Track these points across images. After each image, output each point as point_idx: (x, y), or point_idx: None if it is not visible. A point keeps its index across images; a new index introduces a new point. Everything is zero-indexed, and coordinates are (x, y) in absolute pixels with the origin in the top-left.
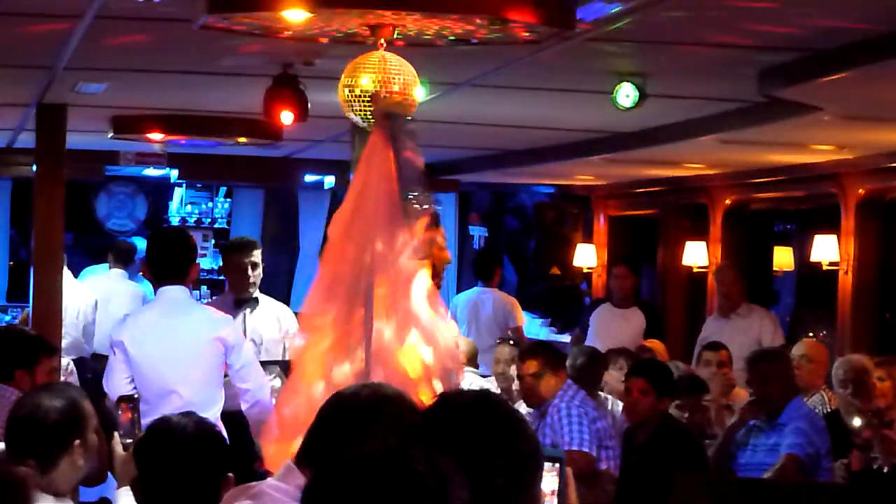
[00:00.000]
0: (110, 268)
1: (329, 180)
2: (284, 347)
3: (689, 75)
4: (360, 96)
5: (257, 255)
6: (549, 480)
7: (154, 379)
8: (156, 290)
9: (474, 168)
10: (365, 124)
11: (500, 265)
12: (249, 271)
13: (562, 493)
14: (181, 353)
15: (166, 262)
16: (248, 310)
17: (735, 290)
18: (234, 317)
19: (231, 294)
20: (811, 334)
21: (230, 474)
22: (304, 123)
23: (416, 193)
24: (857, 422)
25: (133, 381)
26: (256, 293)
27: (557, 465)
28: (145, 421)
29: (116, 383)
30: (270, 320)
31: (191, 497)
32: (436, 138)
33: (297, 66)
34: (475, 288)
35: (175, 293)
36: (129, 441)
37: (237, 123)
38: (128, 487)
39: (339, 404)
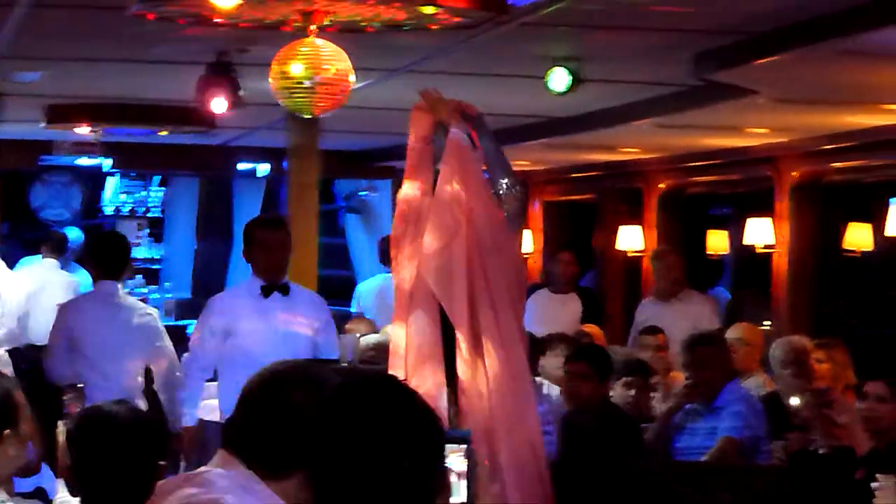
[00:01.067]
0: (43, 258)
1: (264, 168)
2: (315, 343)
3: (625, 60)
4: (293, 84)
5: (288, 234)
6: (458, 462)
7: (95, 362)
8: (94, 283)
9: None
10: (297, 112)
11: None
12: (281, 252)
13: (471, 474)
14: (118, 340)
15: (104, 262)
16: (279, 296)
17: (676, 275)
18: (259, 306)
19: (258, 279)
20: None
21: (162, 462)
22: (238, 111)
23: (508, 181)
24: (795, 401)
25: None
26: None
27: (466, 445)
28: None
29: (59, 369)
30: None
31: (124, 484)
32: (371, 125)
33: (231, 53)
34: (379, 275)
35: (110, 287)
36: None
37: (171, 112)
38: None
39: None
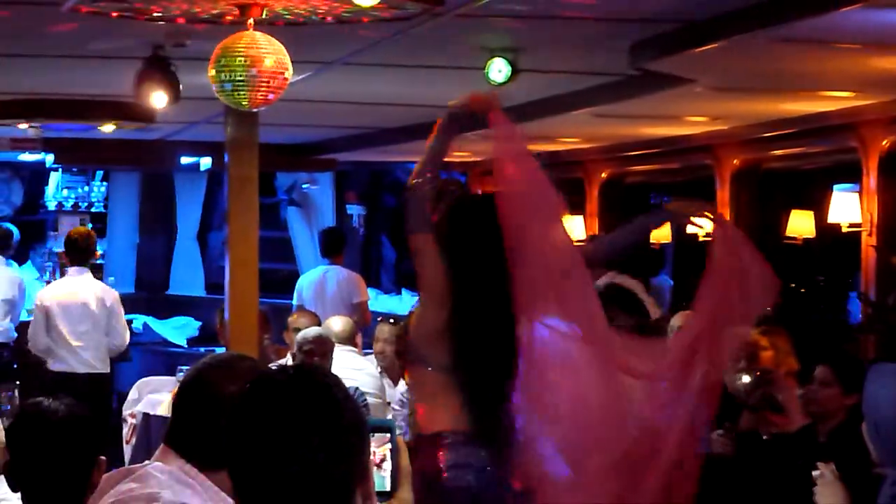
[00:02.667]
0: None
1: (205, 162)
2: None
3: (562, 49)
4: (229, 77)
5: None
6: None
7: (67, 335)
8: (65, 270)
9: (350, 147)
10: (237, 106)
11: (344, 243)
12: None
13: (394, 462)
14: (87, 314)
15: (77, 253)
16: None
17: None
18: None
19: None
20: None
21: (102, 457)
22: (178, 105)
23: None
24: (746, 378)
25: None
26: None
27: (388, 434)
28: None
29: (41, 339)
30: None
31: (62, 480)
32: (310, 118)
33: (168, 47)
34: (320, 267)
35: (80, 271)
36: None
37: (110, 107)
38: None
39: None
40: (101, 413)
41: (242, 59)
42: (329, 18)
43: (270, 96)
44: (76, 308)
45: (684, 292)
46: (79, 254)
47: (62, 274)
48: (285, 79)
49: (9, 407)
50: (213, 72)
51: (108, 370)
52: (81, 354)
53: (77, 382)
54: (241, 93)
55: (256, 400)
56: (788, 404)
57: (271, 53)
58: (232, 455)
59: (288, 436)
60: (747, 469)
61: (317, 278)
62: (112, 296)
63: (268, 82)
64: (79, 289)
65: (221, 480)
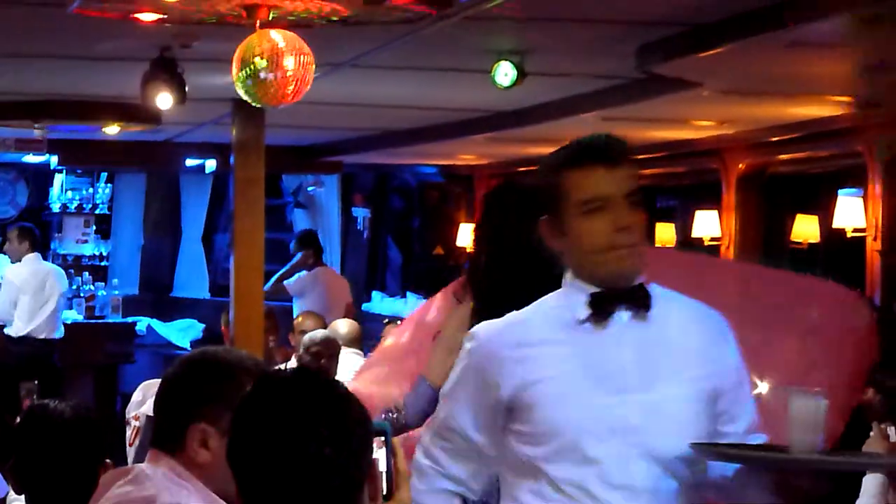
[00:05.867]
0: None
1: (210, 164)
2: None
3: (569, 52)
4: (257, 77)
5: None
6: (377, 453)
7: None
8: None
9: (357, 149)
10: (258, 103)
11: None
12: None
13: (389, 465)
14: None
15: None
16: None
17: None
18: None
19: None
20: None
21: (108, 460)
22: (184, 107)
23: None
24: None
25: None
26: None
27: (383, 437)
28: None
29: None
30: None
31: (68, 482)
32: (318, 119)
33: (175, 49)
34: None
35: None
36: None
37: (116, 108)
38: None
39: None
40: None
41: (267, 56)
42: (336, 20)
43: (295, 94)
44: None
45: None
46: None
47: None
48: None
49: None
50: (238, 76)
51: None
52: None
53: None
54: (265, 90)
55: (262, 396)
56: None
57: (295, 52)
58: (237, 452)
59: (296, 430)
60: None
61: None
62: None
63: (293, 79)
64: None
65: (209, 479)
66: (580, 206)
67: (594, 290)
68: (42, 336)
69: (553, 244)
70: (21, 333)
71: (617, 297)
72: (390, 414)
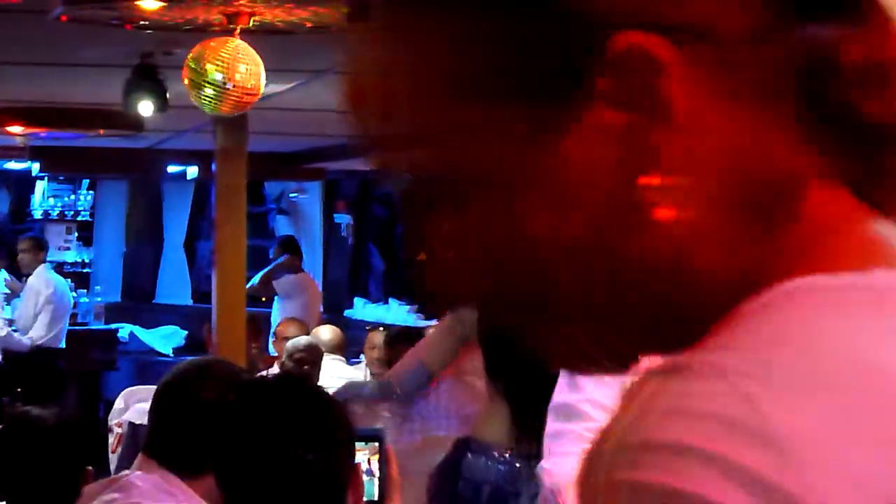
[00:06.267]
0: None
1: (192, 171)
2: None
3: None
4: (203, 80)
5: None
6: (370, 460)
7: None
8: None
9: (340, 156)
10: (208, 109)
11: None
12: None
13: (383, 473)
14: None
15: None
16: None
17: None
18: None
19: None
20: None
21: (89, 468)
22: (166, 114)
23: None
24: None
25: None
26: None
27: (377, 443)
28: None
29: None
30: None
31: (49, 489)
32: (301, 126)
33: (157, 56)
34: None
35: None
36: None
37: (98, 115)
38: None
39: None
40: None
41: (218, 64)
42: (317, 27)
43: (242, 105)
44: None
45: None
46: None
47: None
48: (258, 88)
49: None
50: (186, 75)
51: None
52: None
53: None
54: (214, 98)
55: (245, 401)
56: None
57: (247, 63)
58: (221, 458)
59: (279, 434)
60: None
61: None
62: None
63: (240, 90)
64: None
65: (204, 486)
66: None
67: None
68: (51, 345)
69: None
70: (40, 343)
71: None
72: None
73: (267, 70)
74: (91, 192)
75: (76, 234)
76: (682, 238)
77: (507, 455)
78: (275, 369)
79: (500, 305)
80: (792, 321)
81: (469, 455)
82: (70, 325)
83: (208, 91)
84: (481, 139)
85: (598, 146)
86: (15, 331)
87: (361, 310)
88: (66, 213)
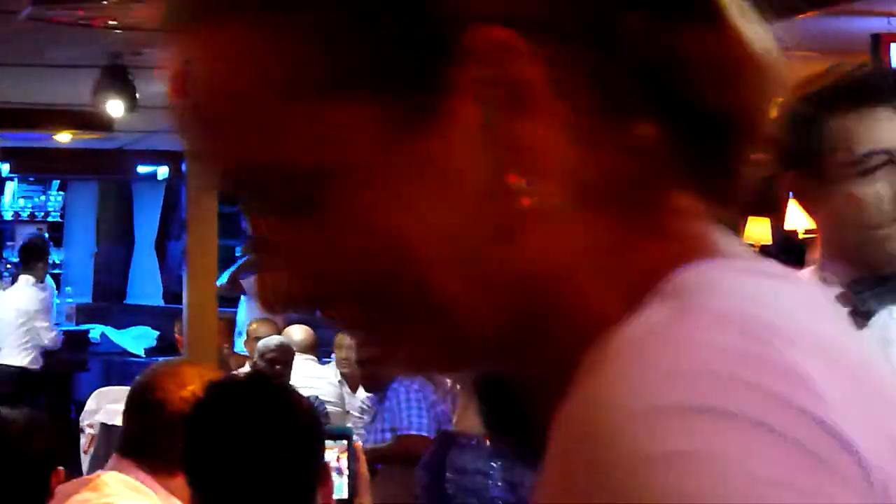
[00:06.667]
0: None
1: (163, 171)
2: None
3: None
4: None
5: None
6: (339, 458)
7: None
8: None
9: None
10: None
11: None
12: None
13: (352, 470)
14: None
15: None
16: None
17: None
18: None
19: None
20: None
21: (61, 468)
22: (136, 114)
23: None
24: None
25: None
26: None
27: (345, 441)
28: None
29: None
30: None
31: (19, 490)
32: None
33: (125, 56)
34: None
35: None
36: None
37: (67, 116)
38: None
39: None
40: None
41: None
42: None
43: None
44: None
45: None
46: None
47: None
48: None
49: None
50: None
51: None
52: None
53: None
54: None
55: (215, 400)
56: None
57: None
58: (191, 457)
59: (248, 433)
60: None
61: None
62: None
63: None
64: None
65: (175, 487)
66: (856, 164)
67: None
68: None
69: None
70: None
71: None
72: None
73: None
74: (61, 192)
75: (47, 235)
76: (544, 236)
77: (489, 444)
78: (246, 368)
79: (351, 308)
80: (735, 286)
81: (453, 448)
82: None
83: None
84: (329, 138)
85: (457, 141)
86: None
87: None
88: (36, 213)
